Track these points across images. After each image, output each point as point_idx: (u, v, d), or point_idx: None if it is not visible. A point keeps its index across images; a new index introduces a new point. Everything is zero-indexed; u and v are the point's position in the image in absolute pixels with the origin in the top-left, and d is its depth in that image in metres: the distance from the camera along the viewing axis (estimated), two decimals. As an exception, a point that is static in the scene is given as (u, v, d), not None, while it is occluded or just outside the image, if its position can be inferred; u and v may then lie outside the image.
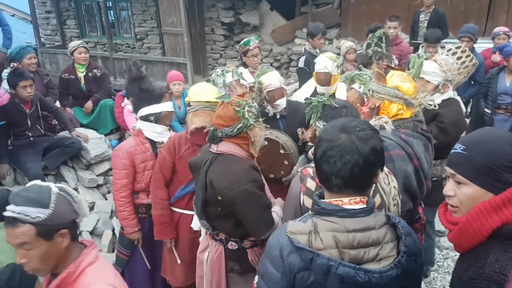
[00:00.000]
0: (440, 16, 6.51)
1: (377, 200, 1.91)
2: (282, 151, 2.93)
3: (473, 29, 5.21)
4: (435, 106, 2.60)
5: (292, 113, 3.32)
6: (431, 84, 3.14)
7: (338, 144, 1.42)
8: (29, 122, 4.46)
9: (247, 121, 2.20)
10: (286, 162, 2.98)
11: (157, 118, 3.10)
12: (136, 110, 3.13)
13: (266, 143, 2.42)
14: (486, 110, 4.88)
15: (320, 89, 3.88)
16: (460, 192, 1.40)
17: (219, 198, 2.19)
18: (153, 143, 3.14)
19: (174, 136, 2.94)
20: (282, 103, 3.29)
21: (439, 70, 3.14)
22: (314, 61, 4.04)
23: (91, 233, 4.56)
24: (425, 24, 6.55)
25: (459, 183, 1.40)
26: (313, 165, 2.03)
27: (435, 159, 3.19)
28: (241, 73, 3.25)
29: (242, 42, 4.45)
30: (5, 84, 4.96)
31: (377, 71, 2.66)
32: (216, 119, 2.28)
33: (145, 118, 3.10)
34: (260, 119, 2.32)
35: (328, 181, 1.45)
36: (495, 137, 1.38)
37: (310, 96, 3.93)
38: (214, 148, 2.27)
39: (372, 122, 2.25)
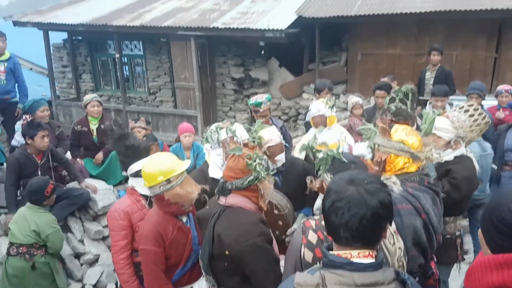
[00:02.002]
0: (446, 74, 6.64)
1: None
2: (276, 211, 2.85)
3: (481, 87, 5.30)
4: (441, 160, 2.60)
5: (289, 168, 3.26)
6: (442, 140, 3.14)
7: (346, 195, 1.43)
8: (39, 172, 4.51)
9: (258, 173, 2.20)
10: (280, 223, 2.90)
11: None
12: (125, 168, 3.07)
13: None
14: (493, 166, 4.86)
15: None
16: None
17: (227, 252, 2.14)
18: (148, 199, 2.96)
19: (151, 226, 2.60)
20: (282, 158, 3.27)
21: (451, 127, 3.15)
22: (309, 108, 4.13)
23: (95, 286, 4.46)
24: (431, 82, 6.67)
25: None
26: (316, 217, 2.02)
27: (448, 215, 3.17)
28: (235, 130, 3.27)
29: (254, 102, 4.52)
30: (17, 135, 5.09)
31: (382, 125, 2.70)
32: (226, 171, 2.28)
33: (136, 175, 3.00)
34: (270, 172, 2.33)
35: (336, 233, 1.44)
36: (504, 196, 1.39)
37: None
38: (223, 200, 2.26)
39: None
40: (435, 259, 2.57)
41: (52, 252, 3.88)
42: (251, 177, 2.20)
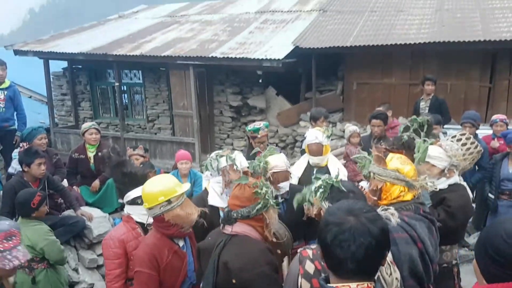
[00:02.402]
0: (440, 103, 6.74)
1: None
2: (274, 239, 2.87)
3: (475, 116, 5.38)
4: (436, 188, 2.62)
5: (294, 197, 3.29)
6: (436, 168, 3.18)
7: (349, 227, 1.40)
8: (35, 200, 4.49)
9: (267, 201, 2.20)
10: (278, 251, 2.85)
11: None
12: (122, 195, 3.06)
13: None
14: (490, 195, 4.89)
15: (313, 159, 3.99)
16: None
17: (234, 281, 2.11)
18: (144, 227, 2.98)
19: (146, 248, 2.56)
20: (285, 186, 3.30)
21: (444, 155, 3.19)
22: (305, 135, 4.17)
23: (88, 317, 4.38)
24: (426, 111, 6.74)
25: None
26: (313, 246, 2.00)
27: (445, 244, 3.15)
28: (235, 158, 3.30)
29: (252, 128, 4.59)
30: (14, 163, 5.09)
31: (377, 154, 2.73)
32: (232, 199, 2.27)
33: (133, 202, 3.00)
34: (276, 201, 2.34)
35: (342, 266, 1.39)
36: (498, 226, 1.39)
37: (304, 169, 4.03)
38: (228, 229, 2.24)
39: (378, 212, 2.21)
40: None
41: (54, 264, 3.81)
42: (260, 205, 2.20)
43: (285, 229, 2.92)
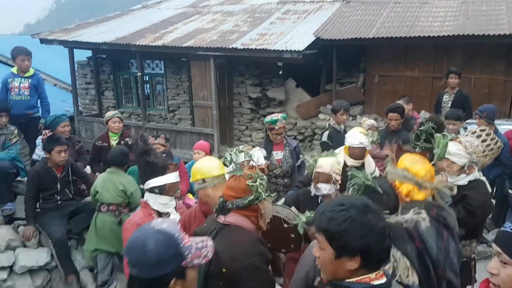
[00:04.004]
0: (464, 97, 6.60)
1: None
2: (285, 225, 2.89)
3: (487, 109, 5.19)
4: (451, 191, 2.59)
5: None
6: (456, 165, 3.18)
7: (379, 227, 1.44)
8: (59, 186, 4.64)
9: (259, 194, 2.23)
10: (292, 235, 2.92)
11: (161, 190, 3.14)
12: (143, 182, 3.20)
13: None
14: (510, 191, 4.79)
15: (353, 162, 3.95)
16: (505, 272, 1.38)
17: (224, 270, 2.13)
18: (159, 214, 3.16)
19: (183, 216, 3.00)
20: (323, 188, 3.33)
21: (464, 152, 3.17)
22: (346, 135, 4.16)
23: (107, 300, 4.52)
24: (449, 105, 6.63)
25: (504, 262, 1.38)
26: None
27: (464, 239, 3.18)
28: (253, 154, 3.36)
29: (270, 119, 4.62)
30: (38, 150, 5.24)
31: (388, 153, 2.74)
32: (227, 190, 2.31)
33: (151, 190, 3.16)
34: (271, 194, 2.36)
35: (382, 259, 1.45)
36: None
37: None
38: (221, 218, 2.28)
39: (409, 215, 1.98)
40: None
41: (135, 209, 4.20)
42: (252, 197, 2.23)
43: (294, 213, 2.96)
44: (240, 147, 3.54)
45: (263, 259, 2.19)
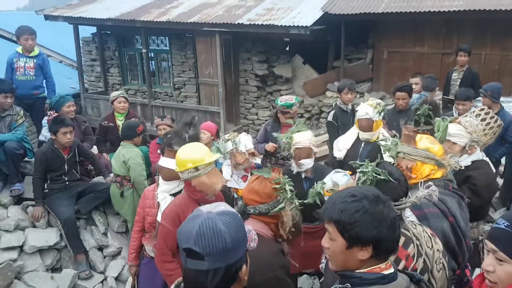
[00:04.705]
0: (473, 75, 6.47)
1: (420, 264, 1.86)
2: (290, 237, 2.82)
3: (491, 87, 5.04)
4: (461, 167, 2.70)
5: (318, 177, 3.23)
6: (457, 146, 3.20)
7: (390, 216, 1.47)
8: (66, 167, 4.66)
9: (292, 201, 2.14)
10: (293, 229, 2.90)
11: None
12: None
13: None
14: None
15: (363, 135, 3.94)
16: (501, 269, 1.38)
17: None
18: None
19: (173, 207, 2.78)
20: (306, 163, 3.31)
21: (464, 132, 3.19)
22: (357, 109, 4.12)
23: (116, 278, 4.61)
24: (458, 83, 6.53)
25: (500, 259, 1.38)
26: None
27: (470, 221, 3.17)
28: (238, 141, 3.35)
29: (284, 103, 4.57)
30: (45, 131, 5.25)
31: (406, 133, 2.73)
32: (250, 194, 2.14)
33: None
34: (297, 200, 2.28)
35: (392, 248, 1.47)
36: None
37: (353, 144, 3.98)
38: None
39: (420, 192, 2.08)
40: (469, 267, 2.57)
41: (135, 183, 4.51)
42: (282, 204, 2.09)
43: (295, 209, 2.94)
44: (225, 136, 3.53)
45: (286, 271, 2.05)
